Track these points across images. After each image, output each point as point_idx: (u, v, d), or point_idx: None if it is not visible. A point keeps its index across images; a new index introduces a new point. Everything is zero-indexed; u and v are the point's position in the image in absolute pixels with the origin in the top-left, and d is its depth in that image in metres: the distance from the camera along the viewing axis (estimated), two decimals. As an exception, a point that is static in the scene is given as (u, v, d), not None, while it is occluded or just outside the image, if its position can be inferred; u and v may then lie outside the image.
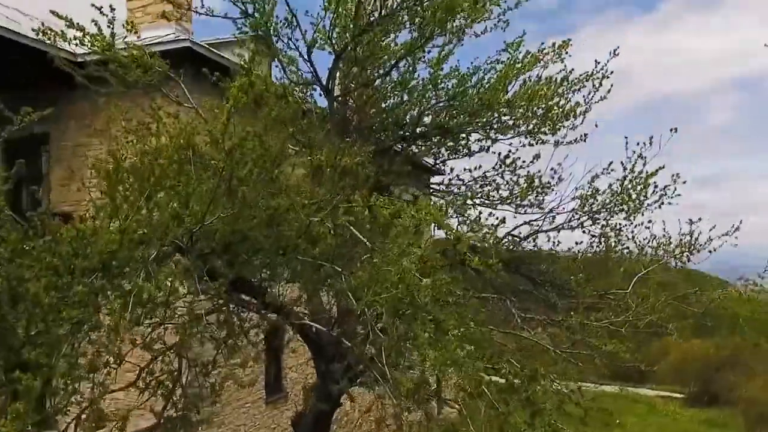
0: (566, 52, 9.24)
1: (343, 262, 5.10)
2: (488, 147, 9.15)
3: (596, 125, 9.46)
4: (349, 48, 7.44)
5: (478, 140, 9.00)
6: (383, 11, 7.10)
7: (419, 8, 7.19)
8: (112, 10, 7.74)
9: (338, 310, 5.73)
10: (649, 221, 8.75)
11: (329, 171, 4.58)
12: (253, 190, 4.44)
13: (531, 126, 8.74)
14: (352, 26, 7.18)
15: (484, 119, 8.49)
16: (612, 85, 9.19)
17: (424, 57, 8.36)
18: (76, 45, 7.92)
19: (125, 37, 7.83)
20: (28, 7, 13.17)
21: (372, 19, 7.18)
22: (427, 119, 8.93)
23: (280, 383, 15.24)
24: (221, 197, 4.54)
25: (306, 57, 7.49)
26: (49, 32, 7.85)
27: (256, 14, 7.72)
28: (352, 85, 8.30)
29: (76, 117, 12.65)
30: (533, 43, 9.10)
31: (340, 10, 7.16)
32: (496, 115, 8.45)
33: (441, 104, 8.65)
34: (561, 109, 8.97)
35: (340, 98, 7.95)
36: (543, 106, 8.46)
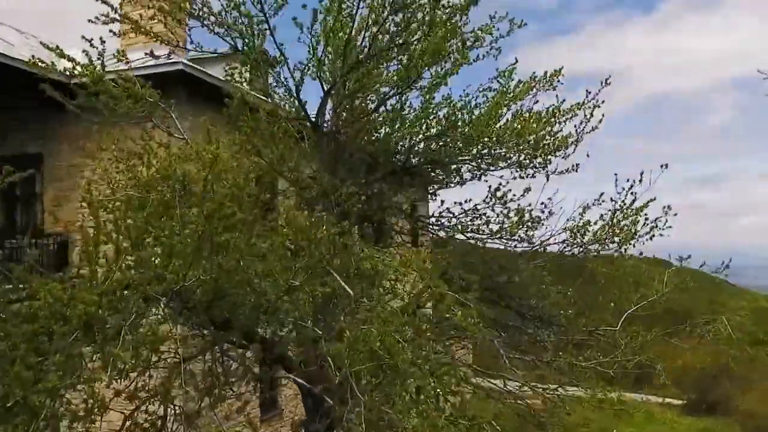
0: (558, 80, 9.21)
1: (325, 318, 5.08)
2: (480, 175, 9.12)
3: (588, 155, 9.44)
4: (338, 84, 7.42)
5: (470, 170, 8.97)
6: (372, 50, 7.07)
7: (408, 46, 7.16)
8: (103, 42, 7.73)
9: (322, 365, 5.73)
10: (641, 253, 8.74)
11: (306, 244, 4.58)
12: (232, 255, 4.43)
13: (522, 156, 8.71)
14: (341, 64, 7.15)
15: (474, 151, 8.46)
16: (603, 115, 9.15)
17: (417, 85, 8.33)
18: (66, 77, 7.90)
19: (117, 59, 7.80)
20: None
21: (361, 57, 7.15)
22: (419, 147, 8.90)
23: (275, 401, 15.23)
24: (201, 258, 4.53)
25: (295, 94, 7.47)
26: (39, 63, 7.80)
27: (246, 48, 7.70)
28: (344, 115, 8.28)
29: (69, 139, 12.64)
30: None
31: (329, 48, 7.13)
32: (486, 148, 8.41)
33: (432, 134, 8.61)
34: (553, 138, 8.94)
35: (329, 133, 7.92)
36: (533, 138, 8.42)
